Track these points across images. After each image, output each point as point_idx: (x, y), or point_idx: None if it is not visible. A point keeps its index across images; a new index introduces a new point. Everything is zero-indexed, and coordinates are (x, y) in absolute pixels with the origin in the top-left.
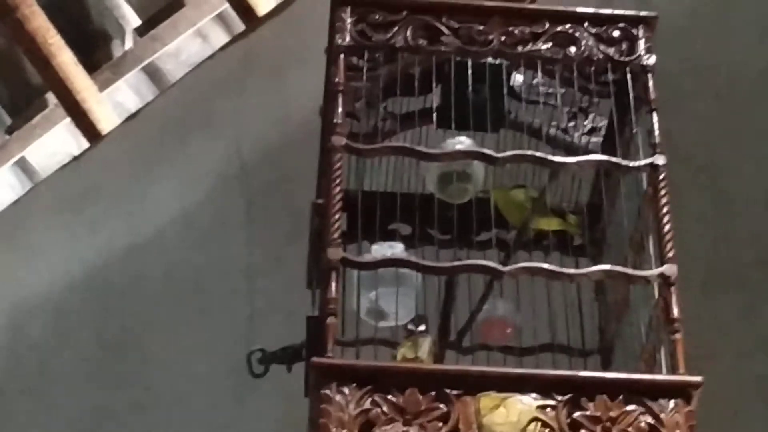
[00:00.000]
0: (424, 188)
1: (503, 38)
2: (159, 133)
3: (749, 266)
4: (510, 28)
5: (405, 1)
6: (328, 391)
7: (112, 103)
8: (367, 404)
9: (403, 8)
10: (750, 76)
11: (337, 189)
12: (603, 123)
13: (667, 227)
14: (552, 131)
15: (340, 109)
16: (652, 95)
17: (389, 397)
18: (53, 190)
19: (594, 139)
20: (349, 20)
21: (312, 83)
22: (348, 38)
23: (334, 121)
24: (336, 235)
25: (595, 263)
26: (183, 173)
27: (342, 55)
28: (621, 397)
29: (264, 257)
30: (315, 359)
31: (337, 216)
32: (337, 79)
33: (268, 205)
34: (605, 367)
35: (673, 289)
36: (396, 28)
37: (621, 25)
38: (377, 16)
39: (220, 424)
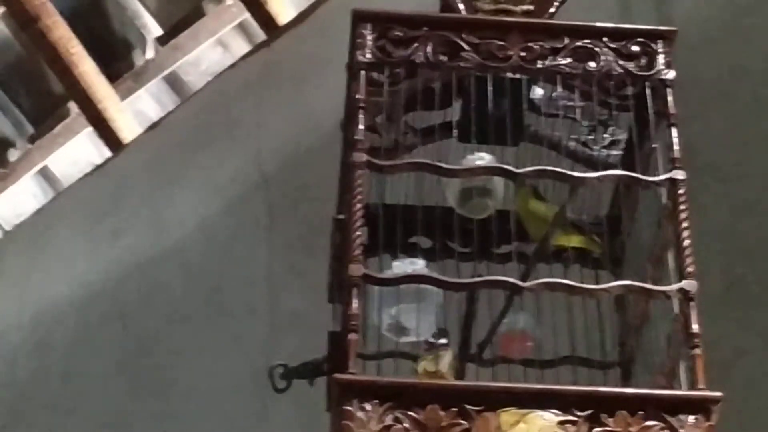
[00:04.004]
0: (445, 201)
1: (523, 53)
2: (180, 142)
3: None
4: (529, 44)
5: (425, 17)
6: (350, 407)
7: (134, 112)
8: (389, 420)
9: (424, 24)
10: None
11: (358, 206)
12: (623, 136)
13: (686, 242)
14: (572, 145)
15: (361, 126)
16: (672, 109)
17: (410, 413)
18: (75, 198)
19: (614, 152)
20: (369, 36)
21: (333, 93)
22: (369, 54)
23: (355, 137)
24: (357, 252)
25: (616, 277)
26: (204, 182)
27: (363, 71)
28: (641, 412)
29: (285, 267)
30: (337, 375)
31: (358, 233)
32: (358, 95)
33: (289, 214)
34: (625, 382)
35: (692, 304)
36: (416, 44)
37: (640, 39)
38: (398, 32)
39: None
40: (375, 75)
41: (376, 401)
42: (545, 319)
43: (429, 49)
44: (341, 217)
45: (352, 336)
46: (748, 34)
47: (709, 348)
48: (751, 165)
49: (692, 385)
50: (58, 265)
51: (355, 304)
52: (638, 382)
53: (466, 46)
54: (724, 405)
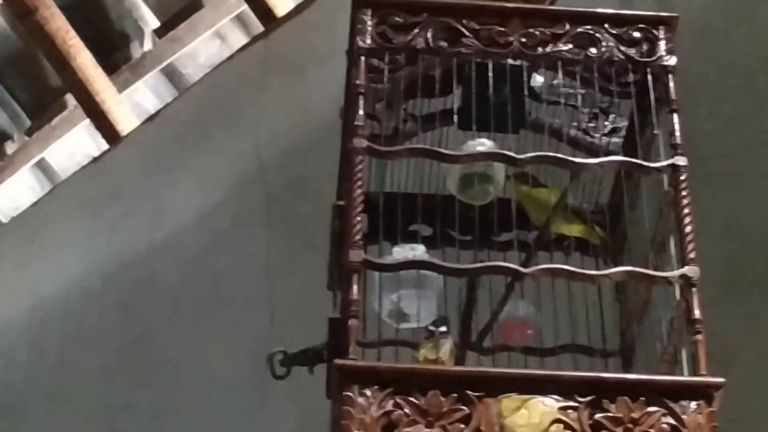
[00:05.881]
0: (446, 189)
1: (523, 39)
2: (178, 134)
3: None
4: (530, 30)
5: (425, 3)
6: (350, 393)
7: (131, 104)
8: (389, 406)
9: (424, 10)
10: None
11: (359, 191)
12: (624, 123)
13: (688, 228)
14: (573, 132)
15: (361, 111)
16: (673, 96)
17: (411, 398)
18: (73, 191)
19: (615, 139)
20: (370, 22)
21: (331, 83)
22: (369, 40)
23: (355, 123)
24: (357, 237)
25: (617, 264)
26: (202, 174)
27: (363, 57)
28: (643, 398)
29: (284, 258)
30: (338, 361)
31: (358, 218)
32: (358, 81)
33: (288, 205)
34: (626, 369)
35: (694, 290)
36: (417, 30)
37: (641, 25)
38: (398, 18)
39: (240, 425)
40: (375, 61)
41: (377, 387)
42: (546, 307)
43: (429, 35)
44: (341, 203)
45: (352, 322)
46: (752, 21)
47: (713, 335)
48: (752, 154)
49: (694, 371)
50: (56, 257)
51: (355, 290)
52: (639, 369)
53: (466, 32)
54: (727, 392)
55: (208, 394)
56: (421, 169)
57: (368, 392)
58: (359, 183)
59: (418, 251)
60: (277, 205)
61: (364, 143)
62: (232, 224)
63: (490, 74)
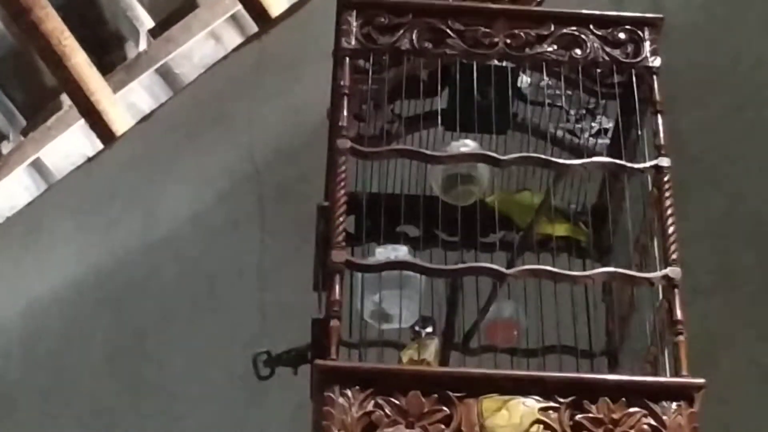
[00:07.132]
0: (432, 191)
1: (508, 41)
2: (172, 134)
3: (758, 267)
4: (515, 31)
5: (411, 3)
6: (330, 394)
7: (126, 104)
8: (370, 406)
9: (409, 11)
10: (762, 75)
11: (341, 192)
12: (610, 125)
13: (671, 229)
14: (559, 133)
15: (345, 112)
16: (657, 97)
17: (392, 399)
18: (68, 191)
19: (601, 140)
20: (354, 23)
21: (325, 84)
22: (354, 41)
23: (339, 123)
24: (340, 238)
25: (602, 265)
26: (196, 174)
27: (348, 58)
28: (623, 399)
29: (277, 258)
30: (318, 361)
31: (341, 219)
32: (342, 82)
33: (281, 205)
34: (612, 369)
35: (676, 291)
36: (401, 31)
37: (626, 27)
38: (383, 19)
39: (235, 424)
40: (360, 62)
41: (357, 387)
42: (532, 308)
43: (414, 36)
44: (325, 204)
45: (333, 322)
46: (743, 21)
47: (698, 337)
48: (742, 153)
49: (676, 372)
50: (51, 258)
51: (337, 290)
52: (625, 370)
53: (451, 33)
54: (711, 393)
55: (201, 393)
56: (410, 170)
57: (349, 392)
58: (342, 184)
59: (400, 252)
60: (271, 206)
61: (348, 144)
62: (225, 224)
63: (475, 75)
